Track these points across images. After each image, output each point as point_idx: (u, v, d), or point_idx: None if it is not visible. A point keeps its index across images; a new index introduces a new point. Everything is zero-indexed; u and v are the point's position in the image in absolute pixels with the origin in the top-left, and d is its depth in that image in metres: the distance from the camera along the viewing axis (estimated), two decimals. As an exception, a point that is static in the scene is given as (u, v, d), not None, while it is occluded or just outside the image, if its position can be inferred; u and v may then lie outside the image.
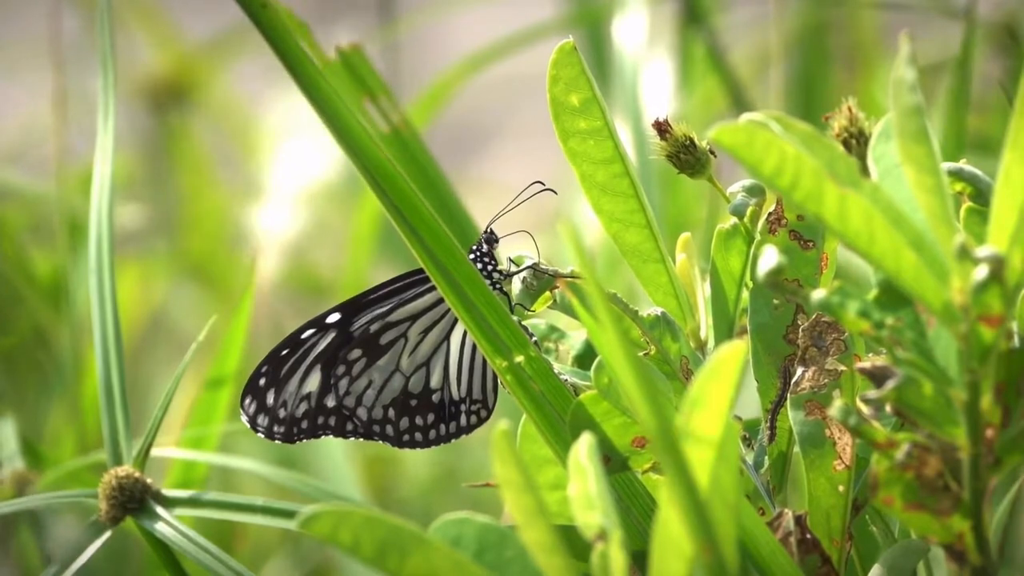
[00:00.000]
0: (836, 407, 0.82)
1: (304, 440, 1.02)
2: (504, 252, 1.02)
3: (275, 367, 1.02)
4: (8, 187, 1.86)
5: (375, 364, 1.02)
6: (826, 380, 0.90)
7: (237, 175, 2.35)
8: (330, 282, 2.10)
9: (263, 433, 1.02)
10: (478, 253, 1.01)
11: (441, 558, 0.76)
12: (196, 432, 1.24)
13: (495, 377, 1.02)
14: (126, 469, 1.01)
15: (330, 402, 1.02)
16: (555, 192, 1.05)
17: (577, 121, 0.95)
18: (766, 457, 0.93)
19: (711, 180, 0.97)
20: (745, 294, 0.95)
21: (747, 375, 0.92)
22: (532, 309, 0.98)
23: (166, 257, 2.12)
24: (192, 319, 2.11)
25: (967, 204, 0.89)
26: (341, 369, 1.02)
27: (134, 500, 1.01)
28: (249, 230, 2.18)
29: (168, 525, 1.00)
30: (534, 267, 0.97)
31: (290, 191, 2.23)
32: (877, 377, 0.81)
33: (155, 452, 1.04)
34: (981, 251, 0.78)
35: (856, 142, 0.91)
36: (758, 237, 0.92)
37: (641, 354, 0.93)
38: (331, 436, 1.02)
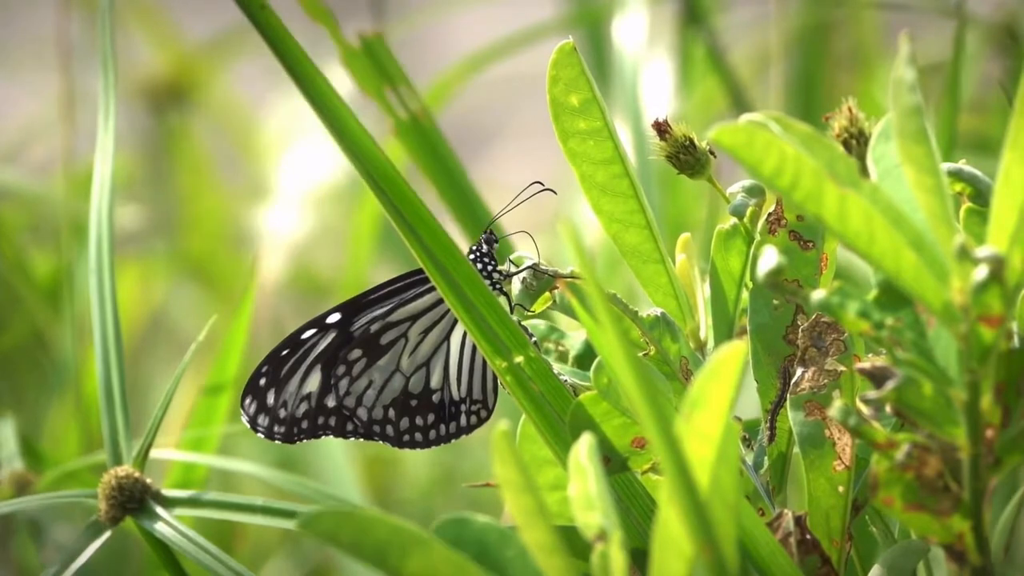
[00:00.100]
0: (836, 407, 0.82)
1: (304, 440, 1.03)
2: (505, 252, 1.02)
3: (275, 367, 1.02)
4: (8, 187, 1.86)
5: (375, 364, 1.02)
6: (826, 380, 0.90)
7: (237, 175, 2.35)
8: (330, 282, 2.10)
9: (263, 433, 1.02)
10: (478, 253, 1.01)
11: (441, 558, 0.76)
12: (197, 433, 1.24)
13: (495, 377, 1.02)
14: (126, 469, 1.01)
15: (330, 402, 1.02)
16: (555, 192, 1.05)
17: (577, 121, 0.95)
18: (766, 457, 0.93)
19: (711, 180, 0.97)
20: (745, 294, 0.95)
21: (747, 375, 0.92)
22: (532, 309, 0.98)
23: (166, 257, 2.12)
24: (192, 319, 2.11)
25: (967, 204, 0.89)
26: (341, 369, 1.02)
27: (134, 500, 1.01)
28: (253, 231, 2.18)
29: (168, 525, 1.00)
30: (534, 267, 0.97)
31: (296, 193, 2.23)
32: (877, 377, 0.81)
33: (155, 453, 1.04)
34: (981, 251, 0.78)
35: (856, 142, 0.91)
36: (758, 237, 0.92)
37: (641, 355, 0.93)
38: (331, 436, 1.02)
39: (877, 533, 0.94)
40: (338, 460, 1.57)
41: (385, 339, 1.02)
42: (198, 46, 2.31)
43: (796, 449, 0.91)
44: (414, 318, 1.02)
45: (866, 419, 0.82)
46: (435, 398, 1.02)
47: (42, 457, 1.34)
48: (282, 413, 1.02)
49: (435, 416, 1.02)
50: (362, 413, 1.02)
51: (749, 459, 0.94)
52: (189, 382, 1.62)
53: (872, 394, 0.81)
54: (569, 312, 0.97)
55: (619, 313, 0.92)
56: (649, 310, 0.94)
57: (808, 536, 0.90)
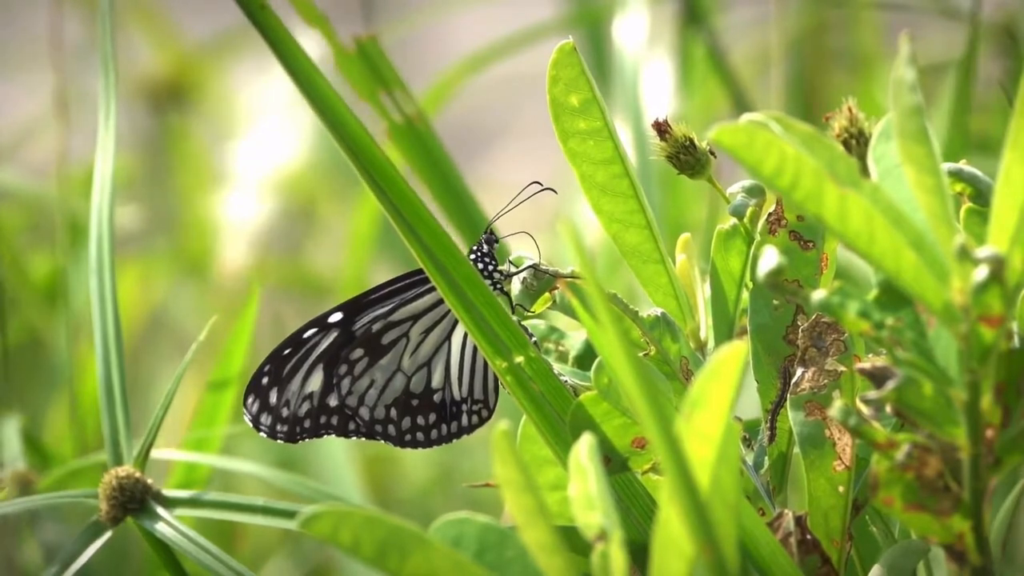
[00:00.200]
0: (836, 408, 0.82)
1: (306, 439, 1.03)
2: (504, 253, 1.02)
3: (277, 366, 1.02)
4: (8, 187, 1.86)
5: (377, 364, 1.02)
6: (826, 381, 0.90)
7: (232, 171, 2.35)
8: (330, 282, 2.10)
9: (266, 432, 1.02)
10: (478, 253, 1.02)
11: (441, 558, 0.76)
12: (199, 434, 1.24)
13: (496, 377, 1.02)
14: (126, 469, 1.01)
15: (332, 401, 1.02)
16: (555, 192, 1.05)
17: (577, 121, 0.95)
18: (766, 458, 0.93)
19: (711, 181, 0.97)
20: (745, 295, 0.95)
21: (747, 376, 0.92)
22: (532, 309, 0.98)
23: (166, 257, 2.12)
24: (192, 319, 2.11)
25: (967, 204, 0.89)
26: (343, 369, 1.02)
27: (134, 500, 1.01)
28: (215, 220, 2.17)
29: (168, 525, 1.00)
30: (534, 267, 0.97)
31: (254, 178, 2.22)
32: (877, 377, 0.81)
33: (155, 454, 1.04)
34: (981, 251, 0.78)
35: (856, 142, 0.91)
36: (758, 238, 0.92)
37: (641, 355, 0.93)
38: (333, 435, 1.03)
39: (877, 533, 0.94)
40: (338, 460, 1.57)
41: (387, 339, 1.02)
42: (198, 46, 2.31)
43: (796, 449, 0.91)
44: (415, 318, 1.02)
45: (866, 419, 0.82)
46: (436, 398, 1.02)
47: (46, 453, 1.34)
48: (284, 412, 1.02)
49: (436, 416, 1.02)
50: (364, 412, 1.02)
51: (749, 459, 0.94)
52: (190, 382, 1.62)
53: (872, 394, 0.81)
54: (569, 312, 0.97)
55: (619, 313, 0.92)
56: (649, 310, 0.94)
57: (808, 536, 0.90)
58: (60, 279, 1.75)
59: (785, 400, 0.92)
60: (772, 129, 0.79)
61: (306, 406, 1.02)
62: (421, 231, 0.88)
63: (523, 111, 2.98)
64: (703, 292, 0.97)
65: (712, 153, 0.96)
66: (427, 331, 1.02)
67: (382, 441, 1.03)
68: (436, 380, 1.02)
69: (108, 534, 1.01)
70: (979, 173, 0.90)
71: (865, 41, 1.90)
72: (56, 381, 1.72)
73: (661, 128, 0.96)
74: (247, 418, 1.02)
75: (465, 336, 1.02)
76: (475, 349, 1.02)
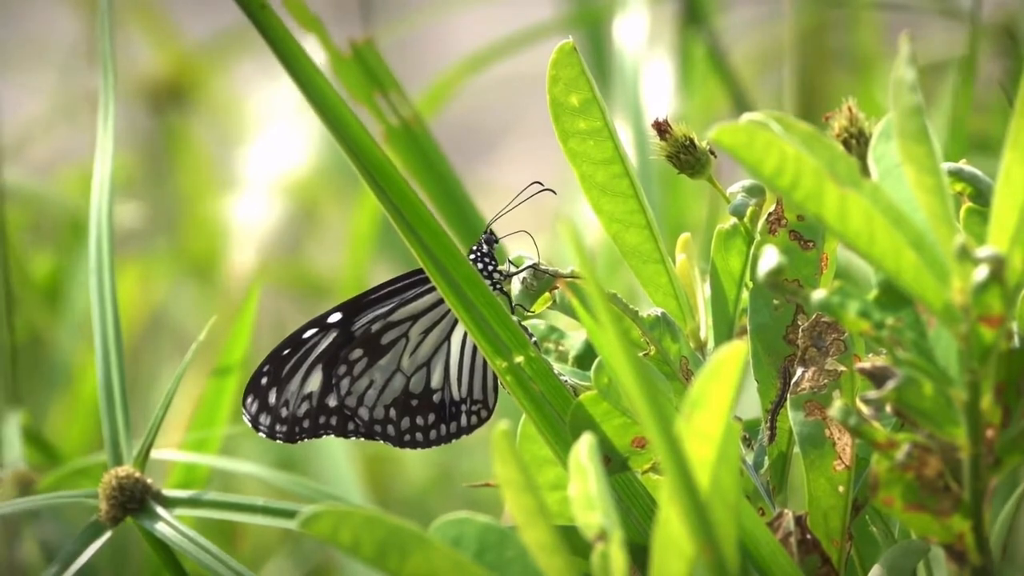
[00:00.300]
0: (836, 407, 0.82)
1: (306, 439, 1.03)
2: (505, 252, 1.02)
3: (277, 366, 1.02)
4: (8, 187, 1.86)
5: (376, 364, 1.02)
6: (826, 380, 0.90)
7: (234, 172, 2.35)
8: (330, 282, 2.10)
9: (265, 432, 1.02)
10: (478, 253, 1.01)
11: (441, 558, 0.76)
12: (199, 434, 1.24)
13: (495, 377, 1.02)
14: (126, 469, 1.01)
15: (332, 402, 1.02)
16: (554, 192, 1.05)
17: (577, 121, 0.95)
18: (766, 457, 0.93)
19: (711, 180, 0.97)
20: (745, 294, 0.95)
21: (747, 375, 0.92)
22: (532, 309, 0.98)
23: (166, 257, 2.12)
24: (192, 319, 2.11)
25: (967, 204, 0.89)
26: (342, 369, 1.02)
27: (134, 500, 1.01)
28: (227, 223, 2.18)
29: (168, 525, 1.00)
30: (534, 267, 0.97)
31: (264, 181, 2.22)
32: (877, 377, 0.81)
33: (155, 455, 1.04)
34: (981, 251, 0.78)
35: (856, 142, 0.91)
36: (758, 237, 0.92)
37: (641, 354, 0.93)
38: (332, 436, 1.03)
39: (877, 533, 0.94)
40: (338, 460, 1.57)
41: (386, 339, 1.02)
42: (198, 46, 2.30)
43: (796, 449, 0.91)
44: (415, 318, 1.02)
45: (866, 419, 0.82)
46: (436, 398, 1.02)
47: (49, 452, 1.34)
48: (284, 412, 1.02)
49: (436, 416, 1.02)
50: (363, 413, 1.02)
51: (749, 459, 0.94)
52: (190, 382, 1.62)
53: (872, 394, 0.81)
54: (569, 312, 0.97)
55: (619, 313, 0.92)
56: (649, 310, 0.94)
57: (808, 536, 0.90)
58: (61, 279, 1.75)
59: (785, 400, 0.92)
60: (772, 129, 0.79)
61: (305, 406, 1.02)
62: (421, 231, 0.88)
63: (523, 111, 2.98)
64: (703, 292, 0.97)
65: (712, 153, 0.96)
66: (426, 331, 1.02)
67: (381, 441, 1.03)
68: (435, 380, 1.02)
69: (108, 534, 1.01)
70: (979, 173, 0.90)
71: (865, 41, 1.90)
72: (58, 380, 1.72)
73: (661, 128, 0.96)
74: (246, 418, 1.02)
75: (464, 336, 1.02)
76: (474, 349, 1.02)
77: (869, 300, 0.81)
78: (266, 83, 2.33)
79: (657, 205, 1.53)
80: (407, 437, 1.03)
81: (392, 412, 1.02)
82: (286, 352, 1.02)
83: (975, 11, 1.43)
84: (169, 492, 1.01)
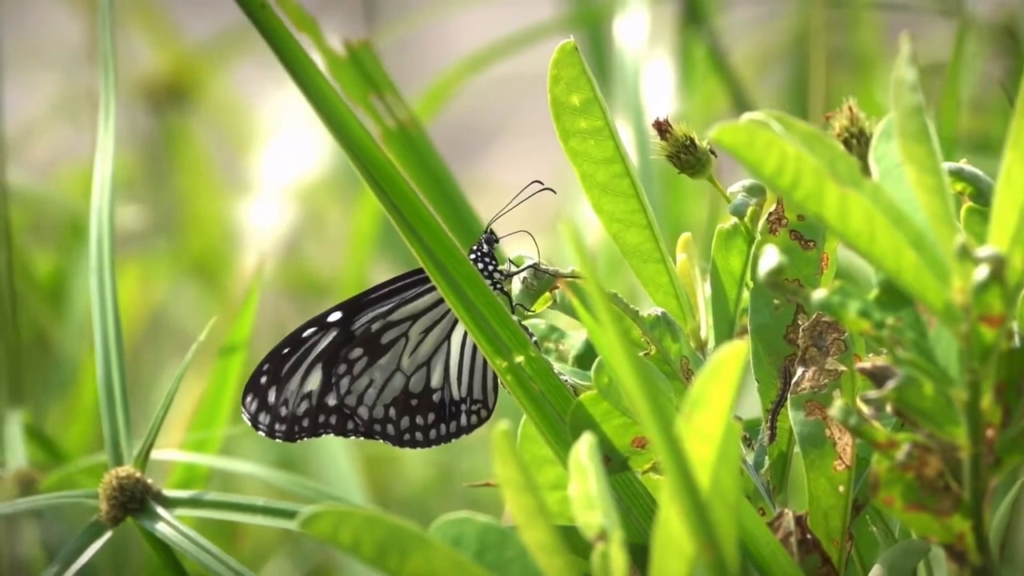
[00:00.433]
0: (836, 407, 0.82)
1: (305, 438, 1.03)
2: (505, 252, 1.02)
3: (276, 365, 1.02)
4: (8, 187, 1.86)
5: (376, 363, 1.02)
6: (826, 380, 0.90)
7: (237, 174, 2.35)
8: (330, 282, 2.10)
9: (264, 431, 1.02)
10: (478, 253, 1.01)
11: (441, 558, 0.76)
12: (199, 434, 1.24)
13: (495, 377, 1.02)
14: (127, 469, 1.01)
15: (331, 401, 1.02)
16: (554, 191, 1.05)
17: (578, 121, 0.95)
18: (766, 457, 0.93)
19: (711, 180, 0.97)
20: (745, 294, 0.95)
21: (747, 375, 0.92)
22: (532, 309, 0.98)
23: (166, 257, 2.12)
24: (192, 319, 2.11)
25: (968, 204, 0.89)
26: (342, 368, 1.02)
27: (135, 500, 1.01)
28: (239, 227, 2.18)
29: (168, 525, 1.00)
30: (534, 267, 0.97)
31: (279, 186, 2.22)
32: (877, 377, 0.81)
33: (155, 455, 1.04)
34: (982, 251, 0.78)
35: (857, 142, 0.91)
36: (759, 237, 0.92)
37: (641, 354, 0.93)
38: (332, 435, 1.02)
39: (877, 533, 0.94)
40: (338, 460, 1.57)
41: (386, 338, 1.02)
42: (198, 46, 2.30)
43: (797, 449, 0.91)
44: (415, 317, 1.02)
45: (867, 419, 0.82)
46: (435, 397, 1.02)
47: (52, 451, 1.34)
48: (283, 411, 1.02)
49: (435, 415, 1.02)
50: (363, 412, 1.02)
51: (750, 459, 0.94)
52: (190, 382, 1.62)
53: (873, 394, 0.81)
54: (570, 312, 0.97)
55: (620, 313, 0.92)
56: (650, 310, 0.94)
57: (808, 536, 0.90)
58: (62, 279, 1.75)
59: (785, 399, 0.92)
60: (773, 128, 0.79)
61: (305, 405, 1.02)
62: (421, 231, 0.88)
63: (523, 111, 2.98)
64: (704, 291, 0.97)
65: (713, 152, 0.96)
66: (426, 331, 1.02)
67: (381, 440, 1.03)
68: (435, 380, 1.02)
69: (108, 534, 1.01)
70: (980, 173, 0.90)
71: (865, 41, 1.90)
72: (60, 379, 1.72)
73: (662, 127, 0.96)
74: (245, 417, 1.02)
75: (464, 336, 1.02)
76: (474, 349, 1.02)
77: (869, 300, 0.81)
78: (274, 89, 2.33)
79: (658, 205, 1.53)
80: (407, 436, 1.03)
81: (392, 411, 1.02)
82: (286, 351, 1.02)
83: (964, 9, 1.43)
84: (169, 492, 1.01)
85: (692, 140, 0.96)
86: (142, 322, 2.03)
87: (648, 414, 0.74)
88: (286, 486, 1.15)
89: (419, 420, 1.02)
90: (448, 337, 1.02)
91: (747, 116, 0.80)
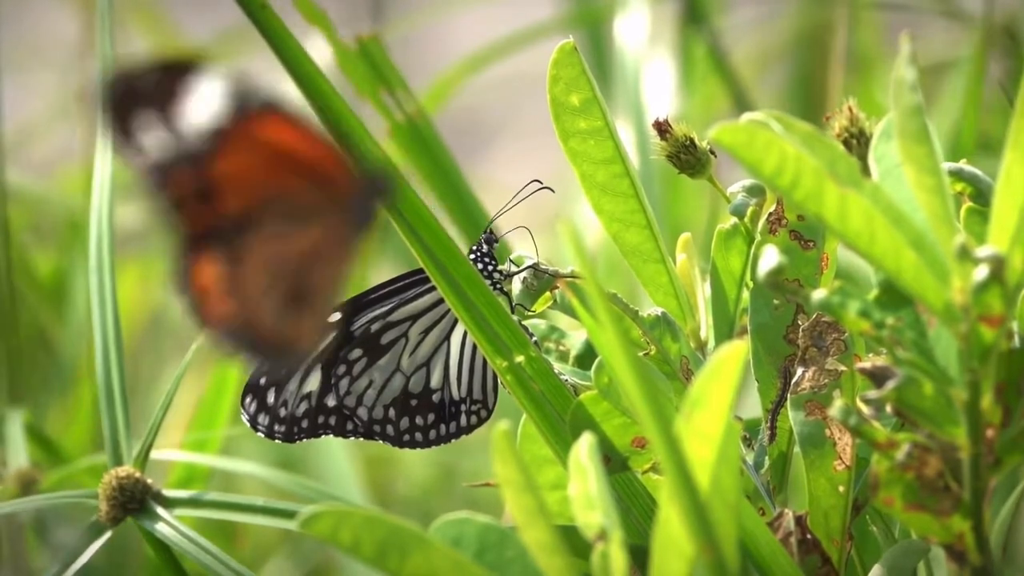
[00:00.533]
0: (836, 407, 0.82)
1: (304, 439, 1.02)
2: (504, 252, 1.02)
3: (276, 366, 1.02)
4: (8, 187, 1.86)
5: (376, 364, 1.02)
6: (826, 380, 0.90)
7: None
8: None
9: (264, 432, 1.02)
10: (478, 253, 1.01)
11: (441, 558, 0.76)
12: (199, 435, 1.24)
13: (495, 377, 1.02)
14: (126, 469, 1.01)
15: (331, 402, 1.02)
16: (553, 190, 1.05)
17: (577, 121, 0.95)
18: (766, 457, 0.93)
19: (711, 180, 0.97)
20: (745, 294, 0.95)
21: (747, 375, 0.92)
22: (532, 309, 0.98)
23: (166, 257, 2.11)
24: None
25: (967, 204, 0.89)
26: (342, 369, 1.02)
27: (134, 500, 1.01)
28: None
29: (168, 525, 1.00)
30: (534, 267, 0.97)
31: None
32: (877, 377, 0.81)
33: (155, 455, 1.04)
34: (982, 251, 0.78)
35: (857, 142, 0.91)
36: (758, 237, 0.92)
37: (641, 354, 0.93)
38: (331, 435, 1.02)
39: (877, 533, 0.94)
40: (338, 460, 1.57)
41: (385, 339, 1.02)
42: (198, 46, 2.30)
43: (797, 449, 0.91)
44: (414, 318, 1.02)
45: (866, 419, 0.82)
46: (435, 398, 1.02)
47: (53, 450, 1.34)
48: (282, 412, 1.02)
49: (435, 416, 1.02)
50: (362, 413, 1.02)
51: (750, 459, 0.94)
52: (190, 382, 1.62)
53: (873, 394, 0.81)
54: (569, 312, 0.97)
55: (620, 313, 0.92)
56: (650, 309, 0.94)
57: (808, 536, 0.90)
58: (62, 279, 1.75)
59: (785, 399, 0.92)
60: (772, 128, 0.79)
61: (304, 406, 1.02)
62: (421, 231, 0.88)
63: (523, 111, 2.98)
64: (703, 291, 0.97)
65: (713, 152, 0.96)
66: (426, 331, 1.02)
67: (381, 441, 1.03)
68: (435, 380, 1.02)
69: (108, 534, 1.01)
70: (979, 173, 0.90)
71: (865, 41, 1.89)
72: (60, 379, 1.72)
73: (662, 127, 0.96)
74: (245, 418, 1.02)
75: (464, 336, 1.02)
76: (474, 349, 1.02)
77: (869, 300, 0.81)
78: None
79: (658, 205, 1.53)
80: (406, 437, 1.02)
81: (391, 412, 1.02)
82: (286, 352, 1.02)
83: (987, 11, 1.43)
84: (169, 492, 1.01)
85: (692, 140, 0.96)
86: (142, 322, 2.03)
87: (648, 414, 0.74)
88: (286, 486, 1.15)
89: (419, 420, 1.02)
90: (448, 337, 1.02)
91: (747, 116, 0.80)
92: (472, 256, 1.01)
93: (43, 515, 1.34)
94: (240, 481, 1.77)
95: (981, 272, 0.78)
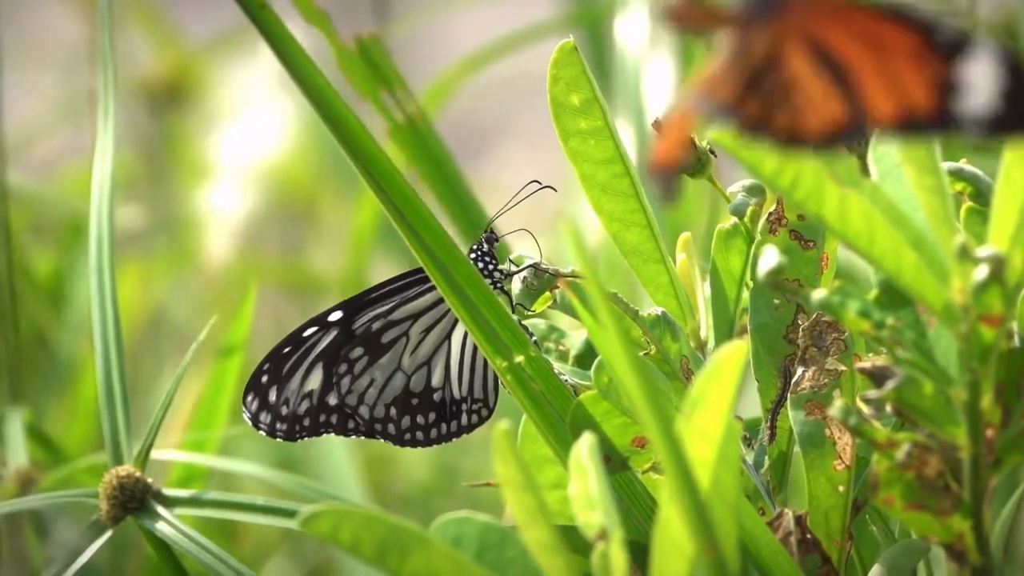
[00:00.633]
0: (836, 407, 0.82)
1: (306, 438, 1.03)
2: (504, 252, 1.02)
3: (277, 365, 1.02)
4: (8, 187, 1.86)
5: (377, 363, 1.02)
6: (826, 380, 0.90)
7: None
8: (330, 281, 2.10)
9: (265, 431, 1.02)
10: (479, 252, 1.02)
11: (442, 558, 0.76)
12: (199, 434, 1.24)
13: (496, 376, 1.02)
14: (127, 469, 1.01)
15: (332, 400, 1.02)
16: (554, 189, 1.05)
17: (578, 121, 0.95)
18: (766, 457, 0.93)
19: (711, 180, 0.97)
20: (745, 294, 0.95)
21: (747, 375, 0.92)
22: (532, 309, 0.98)
23: (166, 257, 2.12)
24: (192, 319, 2.11)
25: (967, 204, 0.89)
26: (343, 367, 1.02)
27: (135, 500, 1.01)
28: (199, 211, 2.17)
29: (169, 525, 1.00)
30: (535, 267, 0.97)
31: (238, 170, 2.21)
32: (877, 377, 0.81)
33: (155, 454, 1.04)
34: (981, 251, 0.78)
35: (857, 142, 0.91)
36: (758, 237, 0.92)
37: (641, 354, 0.93)
38: (333, 434, 1.03)
39: (877, 532, 0.94)
40: (338, 460, 1.57)
41: (386, 338, 1.02)
42: (198, 46, 2.30)
43: (797, 448, 0.91)
44: (415, 317, 1.02)
45: (866, 418, 0.82)
46: (436, 397, 1.02)
47: (53, 450, 1.34)
48: (284, 411, 1.02)
49: (436, 415, 1.02)
50: (363, 411, 1.02)
51: (750, 458, 0.94)
52: (190, 382, 1.62)
53: (872, 393, 0.81)
54: (570, 311, 0.97)
55: (620, 312, 0.92)
56: (650, 309, 0.94)
57: (808, 535, 0.90)
58: (62, 279, 1.75)
59: (785, 399, 0.92)
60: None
61: (305, 404, 1.02)
62: (421, 230, 0.88)
63: (523, 111, 2.98)
64: (703, 291, 0.97)
65: (713, 152, 0.96)
66: (427, 330, 1.02)
67: (382, 440, 1.03)
68: (436, 379, 1.02)
69: (108, 534, 1.01)
70: (979, 173, 0.90)
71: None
72: (60, 378, 1.72)
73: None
74: (246, 416, 1.02)
75: (465, 335, 1.02)
76: (475, 348, 1.02)
77: (869, 300, 0.81)
78: (243, 68, 2.31)
79: (658, 205, 1.53)
80: (407, 436, 1.03)
81: (392, 411, 1.02)
82: (287, 350, 1.02)
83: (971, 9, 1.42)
84: (169, 492, 1.01)
85: (692, 140, 0.96)
86: (142, 322, 2.03)
87: (648, 414, 0.75)
88: (286, 486, 1.15)
89: (420, 419, 1.02)
90: (449, 336, 1.02)
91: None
92: (472, 255, 1.01)
93: (43, 515, 1.34)
94: (240, 480, 1.77)
95: (981, 272, 0.78)
